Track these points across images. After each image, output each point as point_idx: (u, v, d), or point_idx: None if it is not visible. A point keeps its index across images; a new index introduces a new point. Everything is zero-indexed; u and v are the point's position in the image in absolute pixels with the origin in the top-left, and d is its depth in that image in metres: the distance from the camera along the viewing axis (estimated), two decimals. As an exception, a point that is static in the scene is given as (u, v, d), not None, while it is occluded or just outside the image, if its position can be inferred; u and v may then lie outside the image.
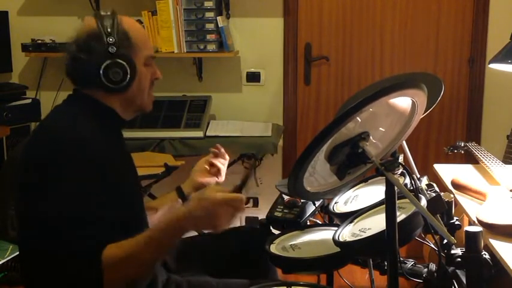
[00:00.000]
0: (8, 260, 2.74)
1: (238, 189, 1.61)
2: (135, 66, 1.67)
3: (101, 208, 1.54)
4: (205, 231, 1.66)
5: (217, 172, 2.03)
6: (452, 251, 1.86)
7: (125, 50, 1.65)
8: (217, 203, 1.52)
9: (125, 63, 1.65)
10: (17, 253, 2.74)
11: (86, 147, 1.56)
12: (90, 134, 1.60)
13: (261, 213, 3.58)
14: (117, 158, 1.69)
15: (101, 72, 1.64)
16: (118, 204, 1.59)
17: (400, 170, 1.95)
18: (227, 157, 2.05)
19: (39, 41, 3.52)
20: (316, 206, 2.12)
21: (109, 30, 1.64)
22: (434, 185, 1.88)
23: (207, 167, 2.03)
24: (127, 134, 3.19)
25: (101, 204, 1.54)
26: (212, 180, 2.02)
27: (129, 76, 1.65)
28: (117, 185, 1.62)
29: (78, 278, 1.50)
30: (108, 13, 1.68)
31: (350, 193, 2.09)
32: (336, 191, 1.90)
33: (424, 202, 1.71)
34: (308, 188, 1.70)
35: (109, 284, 1.50)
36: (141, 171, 2.83)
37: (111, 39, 1.63)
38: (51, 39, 3.57)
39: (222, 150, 2.04)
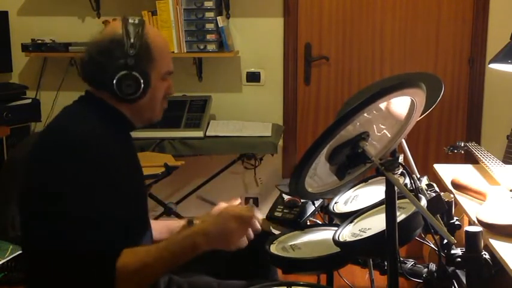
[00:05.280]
0: (8, 260, 2.74)
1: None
2: (149, 81, 1.65)
3: (113, 209, 1.55)
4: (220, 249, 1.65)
5: None
6: (452, 251, 1.85)
7: (143, 64, 1.63)
8: (231, 218, 1.60)
9: (140, 77, 1.63)
10: (17, 253, 2.75)
11: (96, 149, 1.57)
12: (100, 137, 1.60)
13: (261, 213, 3.57)
14: (124, 160, 1.69)
15: (115, 81, 1.62)
16: (124, 205, 1.59)
17: (400, 170, 1.94)
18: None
19: (39, 41, 3.53)
20: (316, 206, 2.11)
21: (132, 40, 1.61)
22: (434, 185, 1.87)
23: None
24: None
25: (112, 206, 1.55)
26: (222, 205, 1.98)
27: (141, 90, 1.64)
28: (124, 186, 1.62)
29: (91, 280, 1.50)
30: (136, 21, 1.65)
31: (350, 193, 2.08)
32: (336, 191, 1.90)
33: (424, 202, 1.71)
34: (309, 189, 1.70)
35: None
36: (141, 171, 2.85)
37: (132, 51, 1.61)
38: (51, 39, 3.57)
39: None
